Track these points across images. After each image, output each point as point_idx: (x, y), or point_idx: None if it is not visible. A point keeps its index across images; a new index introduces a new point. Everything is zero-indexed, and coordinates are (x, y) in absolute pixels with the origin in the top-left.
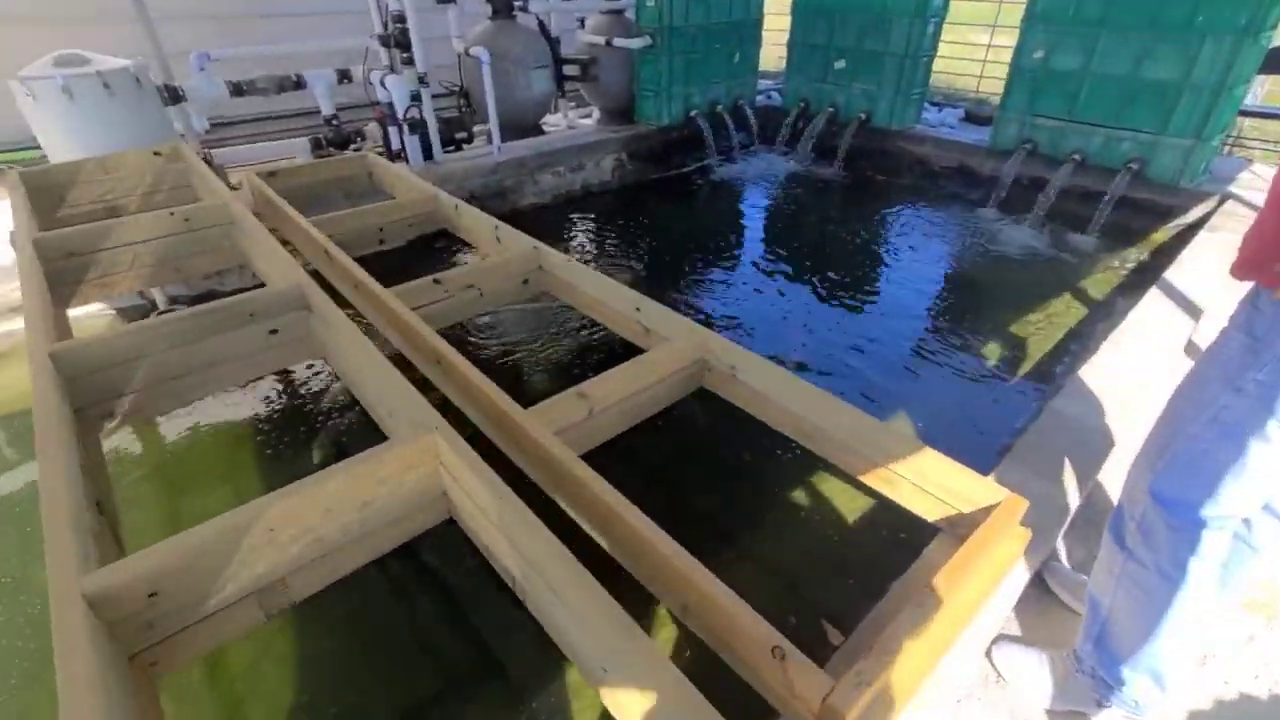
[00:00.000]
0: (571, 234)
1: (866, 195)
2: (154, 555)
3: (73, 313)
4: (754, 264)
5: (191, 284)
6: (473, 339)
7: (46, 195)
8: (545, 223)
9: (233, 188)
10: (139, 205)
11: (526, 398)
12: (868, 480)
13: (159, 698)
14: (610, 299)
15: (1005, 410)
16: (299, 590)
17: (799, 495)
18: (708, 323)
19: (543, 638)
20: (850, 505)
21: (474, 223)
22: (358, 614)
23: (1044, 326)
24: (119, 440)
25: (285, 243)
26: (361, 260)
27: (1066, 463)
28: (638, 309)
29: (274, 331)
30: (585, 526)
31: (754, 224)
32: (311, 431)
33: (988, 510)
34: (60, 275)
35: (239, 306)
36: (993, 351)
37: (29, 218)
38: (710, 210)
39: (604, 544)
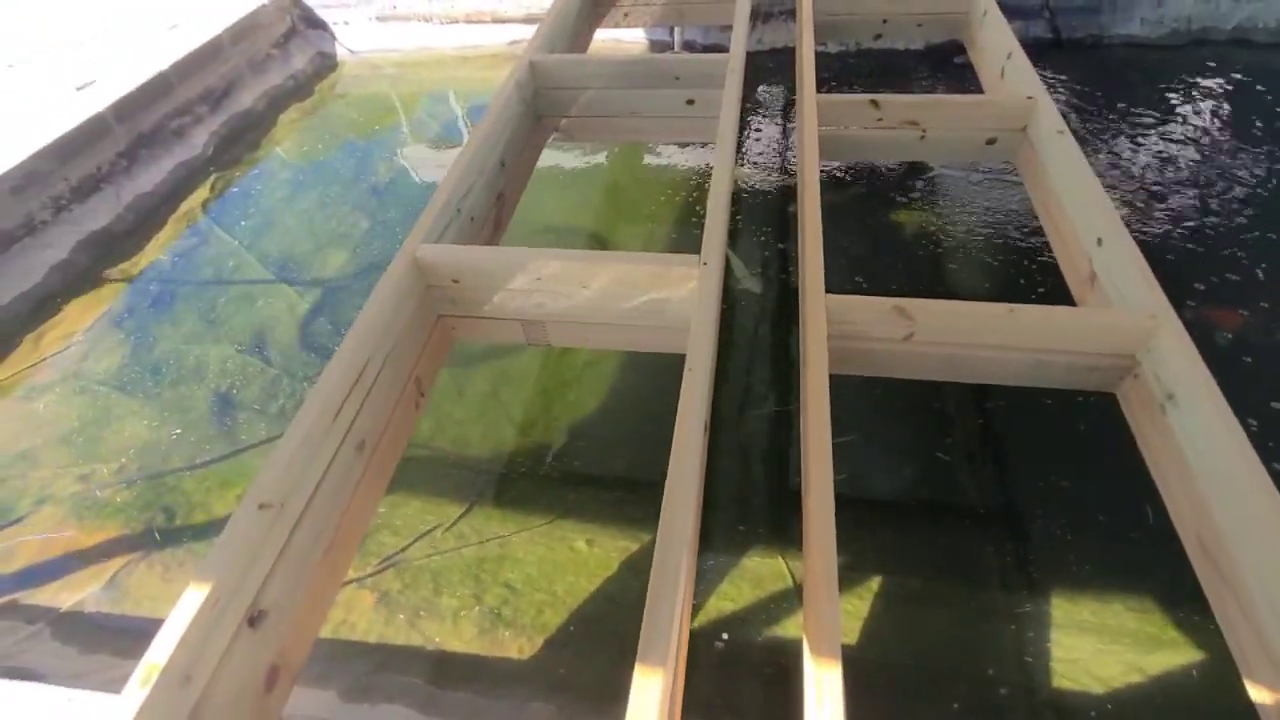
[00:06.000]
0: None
1: None
2: (465, 253)
3: None
4: None
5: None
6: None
7: None
8: (1136, 75)
9: None
10: None
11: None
12: None
13: (449, 348)
14: (1072, 211)
15: None
16: (555, 337)
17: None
18: None
19: None
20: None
21: (992, 39)
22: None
23: None
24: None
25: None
26: (848, 55)
27: None
28: (1099, 241)
29: (690, 102)
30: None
31: None
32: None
33: None
34: None
35: (666, 66)
36: None
37: None
38: None
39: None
